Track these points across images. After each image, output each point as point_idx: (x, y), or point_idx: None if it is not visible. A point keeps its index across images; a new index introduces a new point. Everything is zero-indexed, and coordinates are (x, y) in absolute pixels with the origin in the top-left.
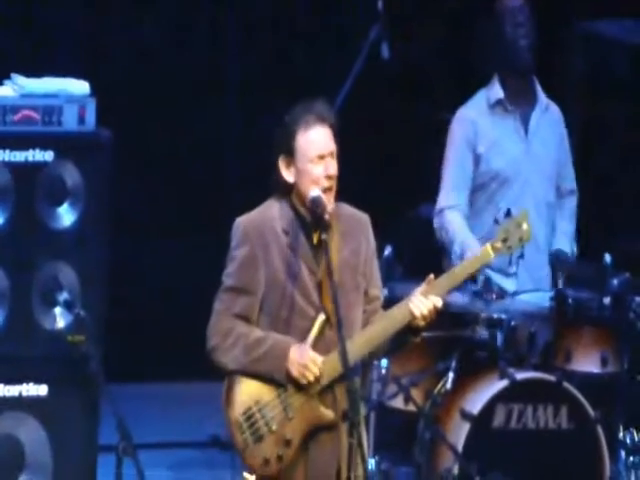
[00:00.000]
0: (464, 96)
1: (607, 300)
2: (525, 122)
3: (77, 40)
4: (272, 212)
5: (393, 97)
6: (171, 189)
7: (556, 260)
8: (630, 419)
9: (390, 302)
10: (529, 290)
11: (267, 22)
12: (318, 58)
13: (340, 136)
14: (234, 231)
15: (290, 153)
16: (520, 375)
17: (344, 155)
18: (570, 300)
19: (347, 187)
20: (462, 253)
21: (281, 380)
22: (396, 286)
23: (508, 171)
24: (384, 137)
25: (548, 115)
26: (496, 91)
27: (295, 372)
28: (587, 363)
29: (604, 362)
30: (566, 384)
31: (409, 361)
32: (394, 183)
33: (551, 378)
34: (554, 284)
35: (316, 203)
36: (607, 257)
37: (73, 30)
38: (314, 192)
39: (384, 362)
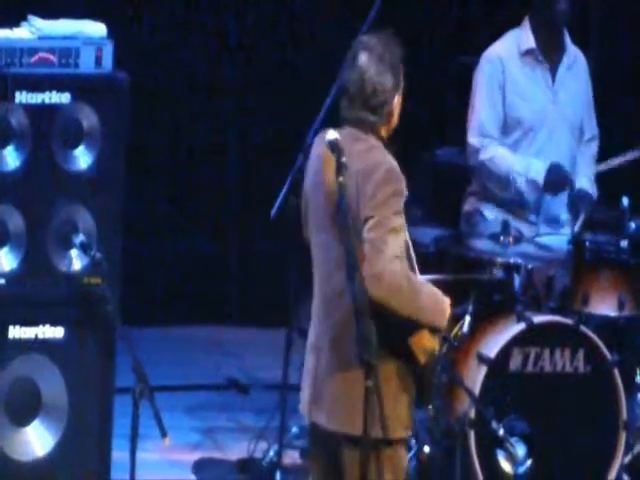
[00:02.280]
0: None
1: (624, 243)
2: (553, 72)
3: None
4: (385, 151)
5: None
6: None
7: (578, 199)
8: None
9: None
10: (547, 233)
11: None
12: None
13: None
14: (393, 176)
15: (400, 88)
16: (537, 318)
17: None
18: (588, 243)
19: None
20: (526, 172)
21: (442, 327)
22: (414, 230)
23: (533, 120)
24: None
25: (575, 65)
26: (528, 39)
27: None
28: (604, 306)
29: (621, 305)
30: (583, 327)
31: None
32: (412, 127)
33: (568, 321)
34: (574, 225)
35: (334, 146)
36: (625, 200)
37: None
38: (332, 135)
39: None
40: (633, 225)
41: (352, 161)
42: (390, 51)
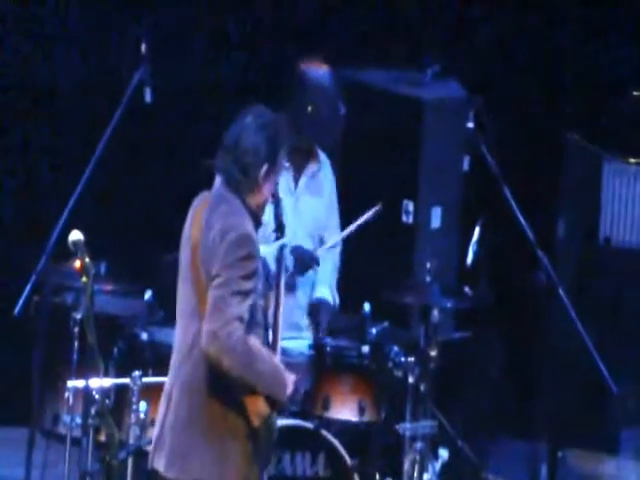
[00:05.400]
0: None
1: (366, 349)
2: (297, 178)
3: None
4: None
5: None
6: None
7: (317, 309)
8: (386, 468)
9: (150, 345)
10: (288, 337)
11: None
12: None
13: (106, 179)
14: (246, 241)
15: (274, 164)
16: (278, 422)
17: (115, 198)
18: (329, 348)
19: (114, 231)
20: None
21: (280, 399)
22: (157, 331)
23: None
24: (144, 178)
25: (321, 173)
26: None
27: (286, 396)
28: (345, 411)
29: (361, 410)
30: (324, 432)
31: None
32: (155, 227)
33: (309, 425)
34: (315, 333)
35: (78, 247)
36: (366, 306)
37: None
38: (75, 236)
39: (143, 406)
40: (374, 331)
41: (215, 220)
42: (275, 129)
